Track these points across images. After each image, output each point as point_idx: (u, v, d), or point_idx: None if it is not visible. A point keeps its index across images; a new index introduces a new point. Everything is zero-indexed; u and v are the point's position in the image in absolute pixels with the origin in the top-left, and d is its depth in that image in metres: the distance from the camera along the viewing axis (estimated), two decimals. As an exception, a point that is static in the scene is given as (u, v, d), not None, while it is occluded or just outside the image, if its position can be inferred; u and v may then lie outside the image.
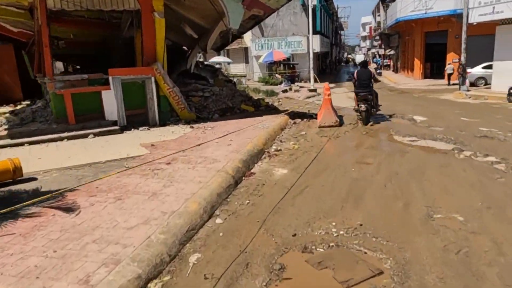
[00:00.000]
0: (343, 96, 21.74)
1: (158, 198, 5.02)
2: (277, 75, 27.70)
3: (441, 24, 27.17)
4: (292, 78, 28.19)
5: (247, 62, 34.95)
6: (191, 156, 6.98)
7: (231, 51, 37.49)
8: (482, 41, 26.10)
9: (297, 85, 25.72)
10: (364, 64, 12.51)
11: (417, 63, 29.30)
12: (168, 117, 10.51)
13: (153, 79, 9.93)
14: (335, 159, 7.34)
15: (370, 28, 63.46)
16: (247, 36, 33.98)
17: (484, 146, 7.77)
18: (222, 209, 5.10)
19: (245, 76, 35.15)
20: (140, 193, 5.23)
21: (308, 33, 30.49)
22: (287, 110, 13.03)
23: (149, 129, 9.63)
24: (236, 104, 12.70)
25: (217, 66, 29.24)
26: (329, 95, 10.57)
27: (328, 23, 44.50)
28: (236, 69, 37.48)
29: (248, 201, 5.35)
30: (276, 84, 25.60)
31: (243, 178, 6.32)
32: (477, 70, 23.27)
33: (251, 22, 13.16)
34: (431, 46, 29.92)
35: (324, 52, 43.39)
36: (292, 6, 31.99)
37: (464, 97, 18.04)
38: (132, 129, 9.56)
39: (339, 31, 68.41)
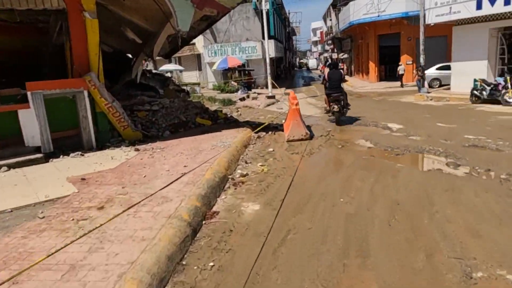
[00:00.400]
0: (303, 102, 20.69)
1: (76, 275, 3.31)
2: (233, 82, 26.27)
3: (394, 27, 27.06)
4: (249, 85, 26.90)
5: (200, 69, 33.27)
6: (133, 194, 5.28)
7: (183, 58, 35.63)
8: (434, 43, 26.28)
9: (255, 92, 24.43)
10: (335, 65, 12.25)
11: (372, 66, 29.06)
12: (108, 138, 8.65)
13: (86, 93, 8.07)
14: (317, 186, 5.93)
15: (321, 32, 63.96)
16: (199, 42, 32.38)
17: (479, 158, 6.72)
18: (176, 282, 3.50)
19: (199, 84, 33.45)
20: (52, 267, 3.49)
21: (263, 38, 29.40)
22: (248, 121, 11.60)
23: (83, 155, 7.74)
24: (190, 117, 11.04)
25: (168, 74, 27.39)
26: (296, 104, 9.22)
27: (281, 28, 43.83)
28: (189, 77, 35.64)
29: (212, 263, 3.78)
30: (233, 92, 24.17)
31: (203, 222, 4.74)
32: (432, 72, 23.13)
33: (203, 23, 11.58)
34: (385, 48, 29.82)
35: (279, 58, 42.60)
36: (244, 11, 30.80)
37: (426, 99, 17.53)
38: (61, 156, 7.61)
39: (292, 36, 68.39)
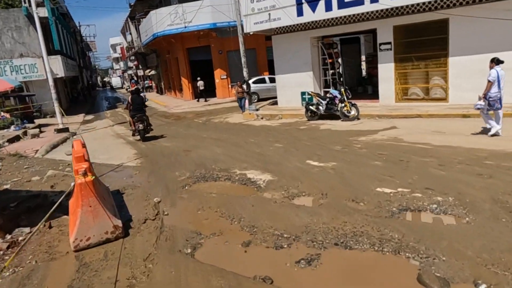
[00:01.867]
0: (108, 133, 15.42)
1: None
2: (2, 113, 18.42)
3: (202, 39, 24.34)
4: (29, 116, 19.53)
5: (-49, 98, 23.21)
6: None
7: None
8: (238, 56, 24.82)
9: (38, 126, 17.52)
10: (137, 91, 12.87)
11: (185, 83, 25.68)
12: None
13: None
14: None
15: (122, 48, 57.72)
16: None
17: (443, 248, 3.61)
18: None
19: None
20: None
21: (42, 53, 22.24)
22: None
23: None
24: None
25: None
26: (86, 172, 4.42)
27: (71, 43, 36.11)
28: None
29: None
30: (2, 129, 16.63)
31: None
32: None
33: None
34: (197, 63, 26.93)
35: (73, 77, 34.90)
36: (12, 19, 22.82)
37: (256, 119, 14.96)
38: None
39: (87, 52, 59.58)
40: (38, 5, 22.89)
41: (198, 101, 24.66)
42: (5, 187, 7.42)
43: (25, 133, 14.89)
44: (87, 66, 56.94)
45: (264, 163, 7.37)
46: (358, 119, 11.99)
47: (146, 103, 12.11)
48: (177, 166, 7.78)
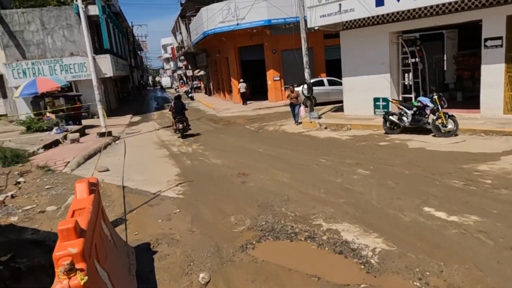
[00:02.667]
0: (153, 139, 13.75)
1: None
2: (48, 114, 17.42)
3: (255, 38, 22.22)
4: (76, 117, 18.43)
5: (5, 96, 22.91)
6: None
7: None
8: (294, 56, 22.47)
9: (83, 128, 16.30)
10: (178, 97, 14.08)
11: (235, 84, 23.71)
12: None
13: None
14: None
15: (172, 48, 57.39)
16: (0, 59, 22.15)
17: None
18: None
19: (5, 116, 23.10)
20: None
21: (97, 52, 21.23)
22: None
23: None
24: None
25: None
26: (79, 262, 2.35)
27: (122, 42, 35.60)
28: (-9, 107, 24.67)
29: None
30: (44, 130, 15.52)
31: None
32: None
33: None
34: (248, 63, 24.92)
35: (123, 77, 34.31)
36: (64, 17, 22.05)
37: (319, 128, 12.55)
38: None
39: (139, 52, 59.94)
40: (88, 3, 22.04)
41: (244, 104, 22.75)
42: (12, 219, 5.64)
43: (65, 137, 13.54)
44: (138, 66, 57.18)
45: (358, 208, 4.97)
46: (456, 135, 9.21)
47: (186, 107, 14.10)
48: (231, 202, 5.60)
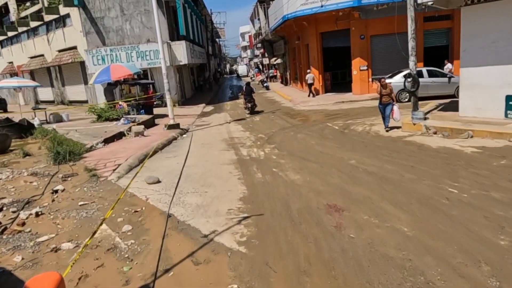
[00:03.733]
0: (223, 135, 11.97)
1: None
2: (120, 103, 16.64)
3: (341, 22, 19.29)
4: (149, 106, 17.46)
5: (86, 83, 23.07)
6: None
7: (64, 68, 25.16)
8: (388, 42, 19.09)
9: (151, 118, 15.17)
10: (248, 84, 17.73)
11: (315, 74, 21.10)
12: None
13: None
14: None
15: (250, 36, 55.95)
16: (81, 46, 22.25)
17: None
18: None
19: (87, 102, 23.40)
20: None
21: (172, 39, 20.14)
22: None
23: None
24: None
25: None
26: None
27: (200, 29, 34.72)
28: (76, 94, 25.28)
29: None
30: (114, 119, 14.64)
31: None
32: (397, 80, 15.64)
33: None
34: (330, 51, 22.14)
35: (200, 65, 33.49)
36: (142, 3, 21.27)
37: (426, 132, 9.63)
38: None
39: (217, 40, 59.57)
40: (166, -12, 20.95)
41: (312, 96, 20.34)
42: (15, 259, 4.02)
43: (130, 129, 12.34)
44: (216, 54, 56.79)
45: None
46: None
47: (254, 91, 17.33)
48: (324, 277, 3.33)
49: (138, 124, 13.11)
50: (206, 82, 35.69)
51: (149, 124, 14.39)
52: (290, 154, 8.35)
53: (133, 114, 16.27)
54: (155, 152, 9.35)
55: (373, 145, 8.75)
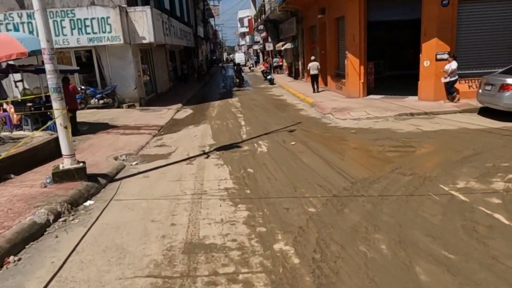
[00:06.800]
0: (175, 209, 3.50)
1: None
2: (5, 105, 8.47)
3: (403, -21, 11.14)
4: (71, 112, 9.11)
5: None
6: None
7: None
8: (487, 13, 10.90)
9: (54, 140, 7.05)
10: (238, 64, 25.39)
11: (354, 64, 12.92)
12: None
13: None
14: None
15: (249, 20, 47.33)
16: (-10, 10, 13.75)
17: None
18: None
19: None
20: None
21: (130, 3, 11.84)
22: None
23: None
24: None
25: None
26: None
27: (186, 2, 26.26)
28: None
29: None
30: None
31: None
32: (500, 78, 7.71)
33: None
34: (376, 28, 13.99)
35: (185, 48, 25.17)
36: None
37: None
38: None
39: (211, 23, 50.76)
40: None
41: (316, 91, 14.58)
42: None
43: None
44: (209, 38, 48.09)
45: None
46: None
47: (243, 70, 23.42)
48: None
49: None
50: (194, 71, 27.38)
51: (40, 156, 6.30)
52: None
53: (27, 130, 8.22)
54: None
55: None
